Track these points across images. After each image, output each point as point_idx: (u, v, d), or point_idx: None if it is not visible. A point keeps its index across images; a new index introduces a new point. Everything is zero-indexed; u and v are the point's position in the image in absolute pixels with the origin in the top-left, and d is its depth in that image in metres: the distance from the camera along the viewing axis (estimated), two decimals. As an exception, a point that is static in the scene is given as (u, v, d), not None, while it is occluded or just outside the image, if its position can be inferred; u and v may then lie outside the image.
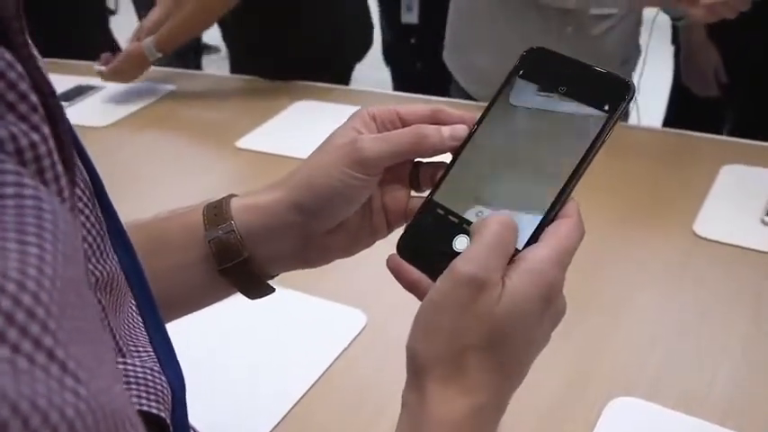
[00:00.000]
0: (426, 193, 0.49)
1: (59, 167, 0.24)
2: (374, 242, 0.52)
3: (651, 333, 0.92)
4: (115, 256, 0.32)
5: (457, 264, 0.39)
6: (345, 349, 0.90)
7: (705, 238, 1.09)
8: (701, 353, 0.89)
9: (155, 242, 0.49)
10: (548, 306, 0.40)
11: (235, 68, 1.95)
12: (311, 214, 0.47)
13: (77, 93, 1.72)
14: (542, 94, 0.46)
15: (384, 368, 0.88)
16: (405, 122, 0.48)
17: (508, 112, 0.47)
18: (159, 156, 1.48)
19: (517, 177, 0.45)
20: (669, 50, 1.99)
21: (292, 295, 0.98)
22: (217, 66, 2.98)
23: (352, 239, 0.51)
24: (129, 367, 0.31)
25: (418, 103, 0.49)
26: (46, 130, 0.23)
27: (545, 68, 0.46)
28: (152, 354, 0.33)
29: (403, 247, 0.47)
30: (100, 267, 0.31)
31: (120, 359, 0.31)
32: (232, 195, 0.50)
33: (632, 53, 1.57)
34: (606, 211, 1.14)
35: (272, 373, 0.88)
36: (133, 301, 0.34)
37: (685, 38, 1.82)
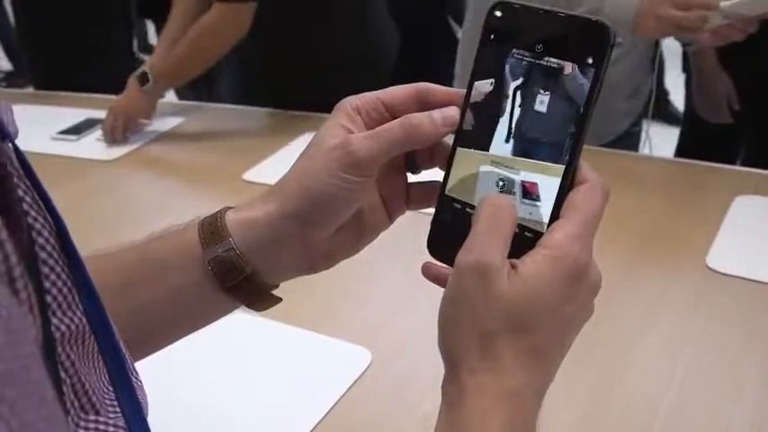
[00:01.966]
0: (422, 176, 0.48)
1: (3, 233, 0.22)
2: (377, 236, 0.50)
3: (664, 373, 0.90)
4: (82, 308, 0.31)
5: (459, 256, 0.40)
6: (349, 389, 0.88)
7: (718, 272, 1.06)
8: (716, 394, 0.86)
9: (151, 265, 0.48)
10: (575, 283, 0.39)
11: (248, 94, 1.96)
12: (310, 222, 0.46)
13: (88, 126, 1.73)
14: (520, 56, 0.43)
15: (390, 408, 0.85)
16: (389, 109, 0.46)
17: (492, 84, 0.44)
18: (166, 189, 1.48)
19: (521, 154, 0.43)
20: (680, 78, 1.98)
21: (293, 332, 0.96)
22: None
23: (354, 238, 0.49)
24: (101, 426, 0.30)
25: (398, 86, 0.47)
26: None
27: (516, 27, 0.44)
28: (119, 412, 0.32)
29: (432, 248, 0.46)
30: (67, 321, 0.30)
31: (93, 417, 0.30)
32: (227, 208, 0.49)
33: (643, 84, 1.56)
34: (616, 244, 1.12)
35: (272, 414, 0.86)
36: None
37: (696, 65, 1.80)
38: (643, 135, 1.58)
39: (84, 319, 0.30)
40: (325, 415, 0.85)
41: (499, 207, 0.40)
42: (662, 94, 3.39)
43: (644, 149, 1.60)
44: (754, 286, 1.03)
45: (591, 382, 0.88)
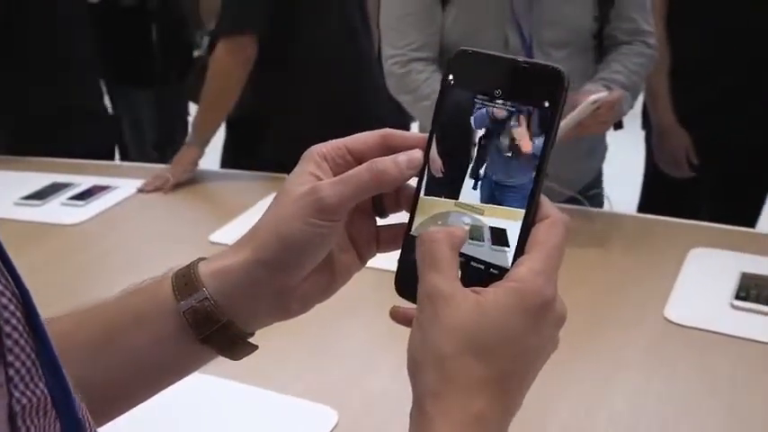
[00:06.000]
0: (390, 219, 0.50)
1: None
2: (350, 277, 0.51)
3: (627, 425, 0.91)
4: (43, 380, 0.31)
5: (417, 290, 0.42)
6: (315, 450, 0.88)
7: (677, 324, 1.08)
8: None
9: (127, 318, 0.48)
10: (539, 316, 0.40)
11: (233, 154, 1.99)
12: (282, 269, 0.47)
13: (52, 190, 1.72)
14: (480, 101, 0.45)
15: (356, 469, 0.85)
16: (355, 155, 0.47)
17: (453, 127, 0.46)
18: (131, 252, 1.48)
19: (483, 194, 0.45)
20: (639, 135, 2.05)
21: (257, 393, 0.96)
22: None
23: (327, 282, 0.50)
24: None
25: (364, 133, 0.48)
26: None
27: (475, 73, 0.46)
28: None
29: (400, 288, 0.47)
30: (29, 393, 0.30)
31: None
32: (200, 259, 0.49)
33: (598, 144, 1.60)
34: (576, 297, 1.14)
35: (238, 478, 0.85)
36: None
37: (655, 122, 1.88)
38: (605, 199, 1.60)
39: (45, 391, 0.31)
40: (291, 478, 0.84)
41: (432, 242, 0.42)
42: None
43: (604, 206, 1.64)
44: (711, 337, 1.05)
45: (555, 436, 0.88)
